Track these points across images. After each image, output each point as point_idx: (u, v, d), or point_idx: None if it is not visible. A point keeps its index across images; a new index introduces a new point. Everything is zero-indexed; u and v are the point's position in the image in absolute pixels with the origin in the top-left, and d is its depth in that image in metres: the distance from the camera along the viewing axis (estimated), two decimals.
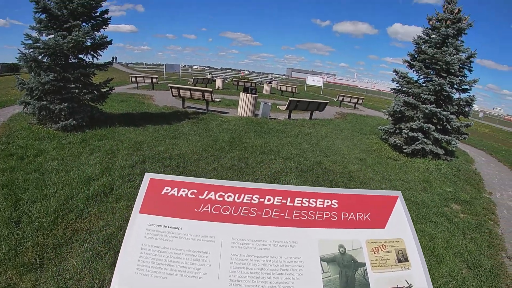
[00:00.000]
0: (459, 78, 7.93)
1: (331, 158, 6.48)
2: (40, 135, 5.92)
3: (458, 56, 7.81)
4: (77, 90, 6.96)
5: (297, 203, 1.39)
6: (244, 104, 10.18)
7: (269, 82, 25.91)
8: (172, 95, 11.08)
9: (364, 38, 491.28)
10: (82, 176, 4.17)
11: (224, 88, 21.87)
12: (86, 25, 7.24)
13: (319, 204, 1.40)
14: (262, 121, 9.34)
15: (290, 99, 10.67)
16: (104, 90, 7.80)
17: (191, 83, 22.75)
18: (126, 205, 3.52)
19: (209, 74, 33.74)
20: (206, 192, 1.39)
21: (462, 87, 8.03)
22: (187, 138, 6.61)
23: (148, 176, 1.44)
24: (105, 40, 7.41)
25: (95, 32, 7.24)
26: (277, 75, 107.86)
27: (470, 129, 8.83)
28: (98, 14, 7.51)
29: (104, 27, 7.57)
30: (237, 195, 1.39)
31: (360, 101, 19.20)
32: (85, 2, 6.85)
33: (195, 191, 1.39)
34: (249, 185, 1.44)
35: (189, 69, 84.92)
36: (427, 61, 7.98)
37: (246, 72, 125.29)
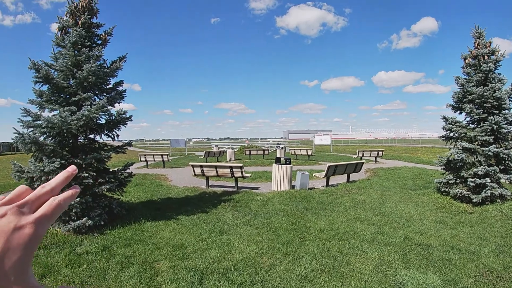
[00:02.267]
0: (510, 111, 7.41)
1: (412, 228, 5.34)
2: (45, 241, 4.56)
3: (506, 89, 7.32)
4: (91, 180, 5.42)
5: None
6: (278, 176, 8.97)
7: (282, 148, 25.18)
8: (194, 175, 9.90)
9: (352, 91, 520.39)
10: None
11: (237, 159, 20.97)
12: (99, 99, 6.01)
13: None
14: (305, 194, 7.99)
15: (328, 164, 9.53)
16: (122, 176, 6.30)
17: (202, 157, 21.99)
18: None
19: (216, 146, 33.35)
20: None
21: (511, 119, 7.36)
22: (239, 231, 5.17)
23: None
24: (124, 116, 6.12)
25: (110, 107, 5.96)
26: (275, 139, 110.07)
27: None
28: (111, 86, 6.32)
29: (119, 101, 6.29)
30: None
31: (380, 153, 18.68)
32: (98, 70, 5.62)
33: None
34: None
35: (190, 142, 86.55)
36: (476, 101, 7.37)
37: (246, 139, 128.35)
